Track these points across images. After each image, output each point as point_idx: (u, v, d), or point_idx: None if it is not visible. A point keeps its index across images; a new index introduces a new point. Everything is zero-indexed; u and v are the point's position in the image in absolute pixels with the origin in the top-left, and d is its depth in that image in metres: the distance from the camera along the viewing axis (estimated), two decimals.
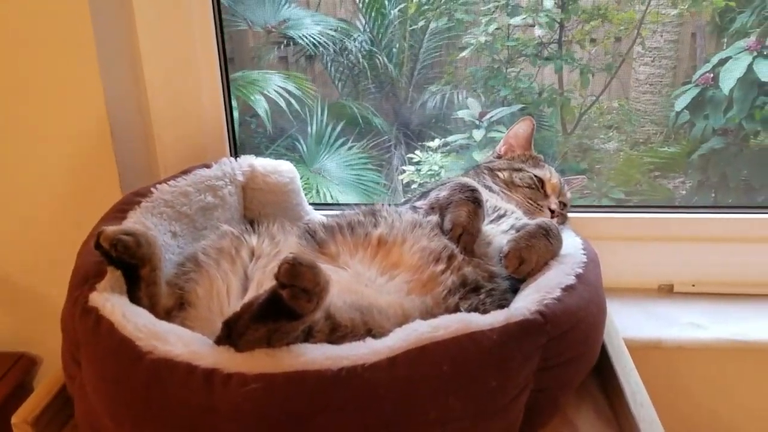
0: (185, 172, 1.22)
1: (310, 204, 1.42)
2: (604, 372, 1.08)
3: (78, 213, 1.20)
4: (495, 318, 0.83)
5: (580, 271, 1.00)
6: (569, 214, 1.41)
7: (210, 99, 1.44)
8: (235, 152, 1.53)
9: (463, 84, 2.08)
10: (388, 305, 0.92)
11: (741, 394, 1.32)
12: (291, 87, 2.06)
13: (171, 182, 1.17)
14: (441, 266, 1.01)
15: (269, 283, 0.95)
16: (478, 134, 1.98)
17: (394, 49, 2.17)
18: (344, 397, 0.75)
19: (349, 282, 0.96)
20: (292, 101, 2.03)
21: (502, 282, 1.04)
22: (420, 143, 2.01)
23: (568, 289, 0.94)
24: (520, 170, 1.31)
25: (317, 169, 2.15)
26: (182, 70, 1.40)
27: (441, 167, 2.02)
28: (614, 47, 1.99)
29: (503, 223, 1.17)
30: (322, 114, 2.12)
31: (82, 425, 0.92)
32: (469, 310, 0.97)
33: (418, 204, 1.18)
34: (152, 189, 1.14)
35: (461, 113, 2.02)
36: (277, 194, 1.33)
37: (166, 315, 0.93)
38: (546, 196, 1.29)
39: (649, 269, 1.48)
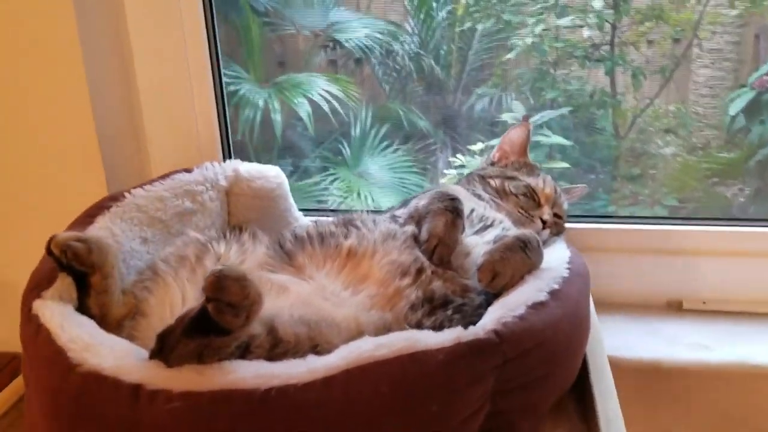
0: (164, 176, 1.20)
1: (301, 210, 1.39)
2: (584, 393, 1.01)
3: (68, 217, 1.19)
4: (445, 337, 0.78)
5: (556, 286, 0.94)
6: (572, 225, 1.35)
7: (201, 104, 1.42)
8: (230, 156, 1.50)
9: (512, 86, 2.02)
10: (343, 320, 0.88)
11: (747, 422, 1.23)
12: (335, 90, 2.04)
13: (147, 187, 1.16)
14: (407, 280, 0.96)
15: None
16: None
17: (442, 51, 2.14)
18: (272, 418, 0.71)
19: (308, 295, 0.92)
20: (336, 104, 2.01)
21: (476, 297, 0.99)
22: (466, 146, 1.95)
23: (536, 306, 0.88)
24: (512, 178, 1.25)
25: (360, 173, 2.13)
26: (174, 74, 1.39)
27: None
28: (672, 49, 1.90)
29: (488, 234, 1.11)
30: (366, 117, 2.10)
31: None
32: (433, 327, 0.92)
33: (398, 213, 1.13)
34: (125, 194, 1.13)
35: (504, 116, 1.96)
36: (262, 200, 1.30)
37: (118, 325, 0.91)
38: (539, 205, 1.22)
39: (657, 284, 1.39)
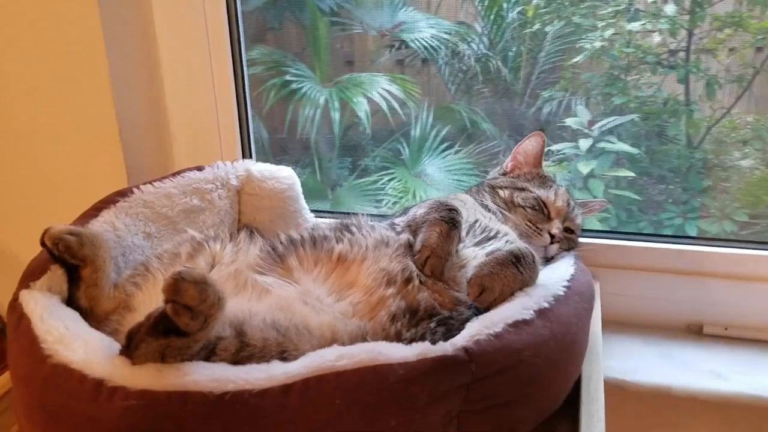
0: (176, 174, 1.22)
1: (313, 212, 1.39)
2: (574, 418, 0.97)
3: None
4: (410, 351, 0.76)
5: (546, 305, 0.91)
6: (591, 240, 1.31)
7: (223, 102, 1.44)
8: (250, 155, 1.52)
9: (581, 90, 1.97)
10: (318, 327, 0.87)
11: None
12: (395, 90, 2.04)
13: (156, 183, 1.18)
14: (391, 289, 0.95)
15: (225, 286, 0.95)
16: (584, 144, 1.85)
17: (510, 53, 2.10)
18: (225, 422, 0.71)
19: (289, 299, 0.92)
20: (395, 104, 2.01)
21: (465, 310, 0.96)
22: None
23: (517, 324, 0.85)
24: (522, 189, 1.21)
25: (418, 173, 2.12)
26: (198, 74, 1.42)
27: None
28: (754, 58, 1.81)
29: (490, 246, 1.09)
30: (428, 117, 2.09)
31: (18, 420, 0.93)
32: (413, 339, 0.91)
33: (398, 221, 1.11)
34: (134, 189, 1.15)
35: (569, 121, 1.91)
36: (272, 200, 1.31)
37: (105, 318, 0.93)
38: (548, 219, 1.19)
39: (678, 306, 1.33)
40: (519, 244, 1.00)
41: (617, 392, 1.18)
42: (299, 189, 1.35)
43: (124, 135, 1.35)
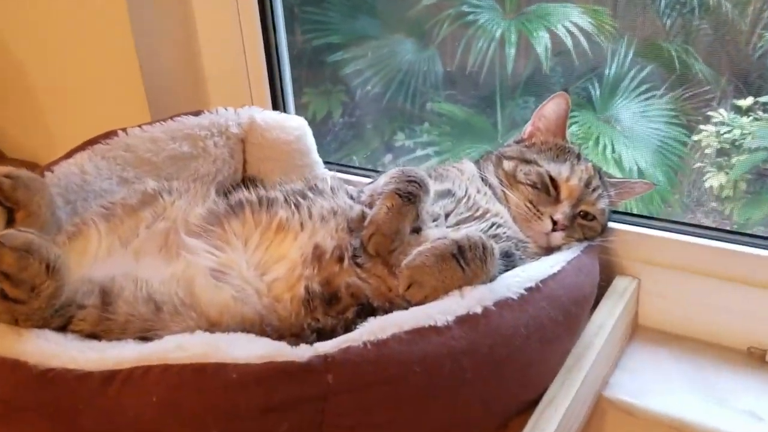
0: (170, 118, 1.18)
1: (326, 163, 1.29)
2: None
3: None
4: (258, 352, 0.66)
5: (478, 310, 0.75)
6: (626, 227, 1.08)
7: (251, 45, 1.36)
8: (284, 103, 1.43)
9: None
10: (208, 305, 0.78)
11: None
12: (585, 23, 1.82)
13: (145, 126, 1.15)
14: (314, 268, 0.83)
15: (147, 247, 0.90)
16: None
17: None
18: (46, 399, 0.66)
19: (195, 269, 0.83)
20: (581, 39, 1.79)
21: (403, 302, 0.82)
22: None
23: (420, 332, 0.71)
24: (529, 162, 1.02)
25: (607, 118, 1.92)
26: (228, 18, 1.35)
27: (746, 134, 1.65)
28: None
29: (468, 228, 0.93)
30: (626, 55, 1.85)
31: None
32: (333, 330, 0.79)
33: (367, 188, 0.98)
34: (119, 131, 1.12)
35: None
36: (277, 152, 1.22)
37: None
38: (557, 200, 0.99)
39: (741, 322, 1.06)
40: (471, 234, 0.83)
41: (621, 417, 0.98)
42: (310, 142, 1.25)
43: (148, 75, 1.32)
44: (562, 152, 1.03)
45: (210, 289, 0.81)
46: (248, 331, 0.76)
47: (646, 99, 1.74)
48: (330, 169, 1.34)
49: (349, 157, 1.92)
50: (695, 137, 1.64)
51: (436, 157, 1.80)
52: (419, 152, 1.86)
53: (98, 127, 1.13)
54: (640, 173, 1.63)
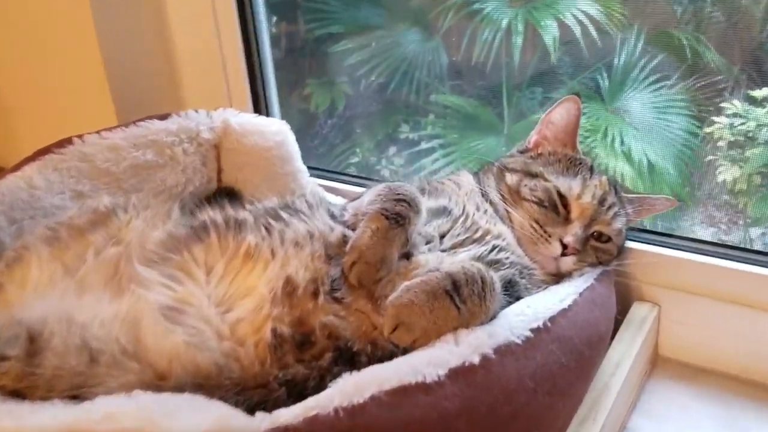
0: (134, 122, 1.05)
1: (310, 169, 1.16)
2: None
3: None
4: (200, 422, 0.53)
5: (475, 360, 0.63)
6: (651, 248, 0.96)
7: (228, 39, 1.23)
8: (266, 105, 1.31)
9: None
10: (156, 353, 0.66)
11: None
12: (594, 12, 1.73)
13: (104, 132, 1.02)
14: (282, 308, 0.71)
15: (93, 278, 0.78)
16: None
17: None
18: None
19: (145, 306, 0.71)
20: (590, 28, 1.71)
21: (387, 346, 0.70)
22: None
23: (405, 391, 0.59)
24: (535, 176, 0.89)
25: (616, 109, 1.83)
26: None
27: (761, 126, 1.55)
28: None
29: (465, 252, 0.81)
30: (636, 43, 1.76)
31: None
32: (305, 382, 0.67)
33: (351, 205, 0.86)
34: (75, 139, 1.00)
35: None
36: (254, 158, 1.10)
37: None
38: (567, 220, 0.86)
39: None
40: (469, 266, 0.70)
41: None
42: (293, 148, 1.13)
43: (113, 73, 1.19)
44: (572, 164, 0.90)
45: (159, 332, 0.69)
46: (202, 386, 0.64)
47: (657, 89, 1.65)
48: (318, 177, 1.22)
49: (352, 149, 1.85)
50: (707, 129, 1.54)
51: (440, 150, 1.73)
52: (424, 145, 1.80)
53: (64, 131, 1.01)
54: (650, 166, 1.56)
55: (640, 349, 0.90)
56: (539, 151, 0.93)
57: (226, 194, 1.06)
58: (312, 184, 1.16)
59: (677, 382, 0.96)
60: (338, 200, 1.08)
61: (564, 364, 0.71)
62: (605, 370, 0.85)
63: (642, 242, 0.99)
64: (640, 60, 1.63)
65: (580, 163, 0.90)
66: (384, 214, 0.75)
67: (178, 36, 1.25)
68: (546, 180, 0.88)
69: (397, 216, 0.75)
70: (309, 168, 1.15)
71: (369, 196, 0.81)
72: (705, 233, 1.36)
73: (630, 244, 0.97)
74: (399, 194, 0.78)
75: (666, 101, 1.64)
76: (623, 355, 0.88)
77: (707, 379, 0.96)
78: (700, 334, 0.97)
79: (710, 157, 1.49)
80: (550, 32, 1.65)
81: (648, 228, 1.01)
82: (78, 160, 0.98)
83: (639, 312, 0.97)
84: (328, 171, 1.30)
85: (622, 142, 1.65)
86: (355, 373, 0.61)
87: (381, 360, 0.68)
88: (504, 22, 1.68)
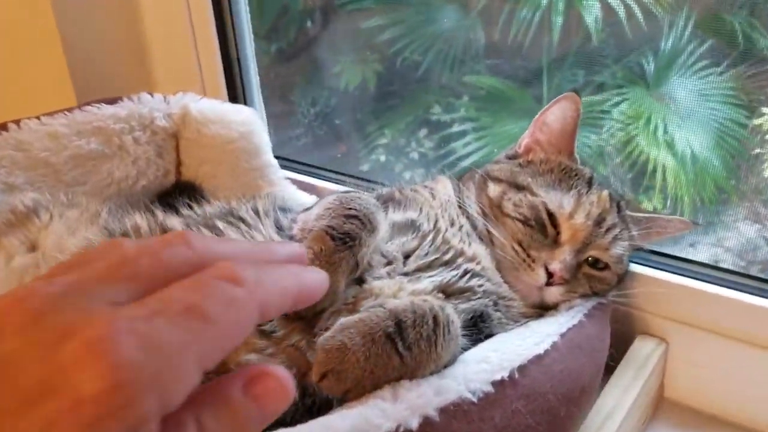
0: (78, 106, 0.94)
1: (277, 158, 1.04)
2: None
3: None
4: None
5: (412, 426, 0.50)
6: (658, 274, 0.82)
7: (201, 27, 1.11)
8: (243, 92, 1.18)
9: None
10: None
11: None
12: None
13: (44, 118, 0.91)
14: None
15: (3, 288, 0.67)
16: None
17: None
18: None
19: None
20: (636, 9, 1.63)
21: (320, 394, 0.58)
22: None
23: None
24: (521, 188, 0.75)
25: (661, 95, 1.73)
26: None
27: None
28: None
29: (431, 278, 0.68)
30: (685, 27, 1.67)
31: None
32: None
33: (301, 217, 0.73)
34: (11, 124, 0.89)
35: None
36: (216, 151, 0.99)
37: None
38: (556, 243, 0.72)
39: None
40: (420, 303, 0.57)
41: None
42: (262, 140, 1.01)
43: (71, 51, 1.08)
44: (566, 176, 0.76)
45: None
46: None
47: (705, 76, 1.55)
48: (303, 173, 1.10)
49: (381, 130, 1.79)
50: (756, 121, 1.45)
51: (473, 133, 1.67)
52: (456, 127, 1.74)
53: (17, 114, 0.91)
54: (694, 157, 1.48)
55: (639, 392, 0.77)
56: (530, 158, 0.79)
57: (185, 190, 0.95)
58: (276, 184, 1.03)
59: (683, 431, 0.83)
60: (312, 201, 0.95)
61: (531, 426, 0.58)
62: (593, 421, 0.72)
63: (649, 266, 0.84)
64: (689, 45, 1.53)
65: (576, 175, 0.76)
66: (330, 234, 0.63)
67: (145, 8, 1.13)
68: (533, 194, 0.74)
69: (345, 236, 0.63)
70: (289, 161, 1.03)
71: (318, 209, 0.68)
72: (749, 230, 1.24)
73: (635, 267, 0.83)
74: (350, 209, 0.65)
75: (714, 89, 1.55)
76: (617, 403, 0.74)
77: (717, 428, 0.83)
78: (713, 377, 0.83)
79: (758, 150, 1.40)
80: (592, 12, 1.55)
81: (656, 249, 0.87)
82: (12, 148, 0.87)
83: (642, 348, 0.83)
84: (312, 166, 1.17)
85: (665, 131, 1.58)
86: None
87: (314, 411, 0.57)
88: (544, 1, 1.61)
